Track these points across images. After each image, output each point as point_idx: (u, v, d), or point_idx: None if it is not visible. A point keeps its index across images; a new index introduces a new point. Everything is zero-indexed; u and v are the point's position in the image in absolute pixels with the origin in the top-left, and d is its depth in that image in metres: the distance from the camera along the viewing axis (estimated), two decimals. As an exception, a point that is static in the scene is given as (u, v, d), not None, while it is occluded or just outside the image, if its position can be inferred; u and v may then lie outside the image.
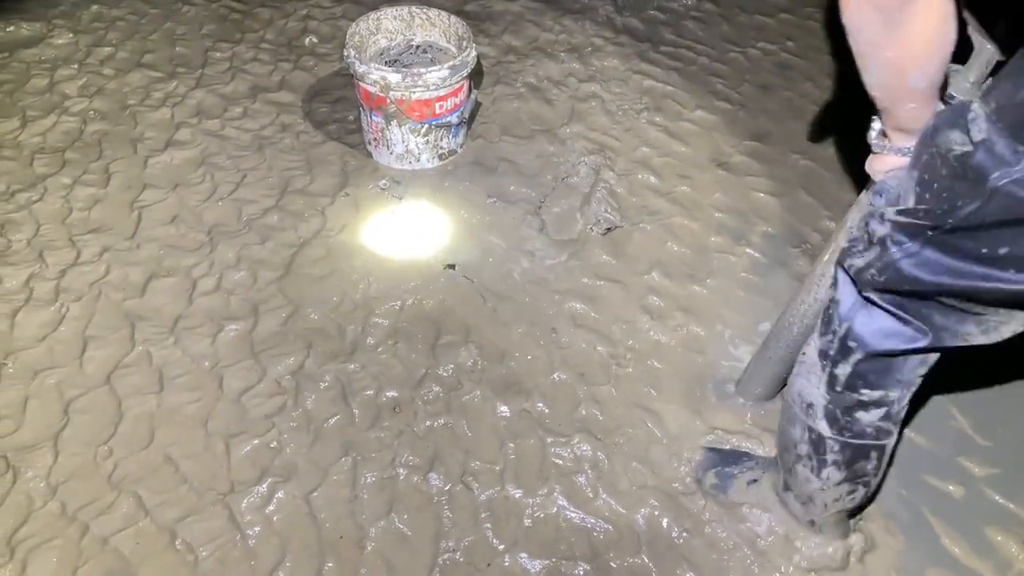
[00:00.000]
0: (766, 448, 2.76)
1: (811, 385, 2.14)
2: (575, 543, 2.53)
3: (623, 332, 3.15)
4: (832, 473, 2.22)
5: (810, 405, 2.16)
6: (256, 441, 2.77)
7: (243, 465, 2.70)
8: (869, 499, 2.48)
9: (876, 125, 1.90)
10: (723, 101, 4.37)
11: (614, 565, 2.49)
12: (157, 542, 2.51)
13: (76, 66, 4.40)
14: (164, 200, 3.66)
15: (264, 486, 2.65)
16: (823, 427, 2.14)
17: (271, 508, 2.60)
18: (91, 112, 4.12)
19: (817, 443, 2.19)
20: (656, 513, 2.60)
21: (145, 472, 2.68)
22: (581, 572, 2.47)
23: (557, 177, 3.84)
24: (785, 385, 2.79)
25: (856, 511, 2.51)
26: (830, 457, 2.19)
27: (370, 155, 3.92)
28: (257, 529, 2.55)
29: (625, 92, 4.37)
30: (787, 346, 2.63)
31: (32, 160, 3.81)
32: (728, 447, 2.77)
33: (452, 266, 3.39)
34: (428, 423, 2.84)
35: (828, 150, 4.07)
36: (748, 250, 3.51)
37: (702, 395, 2.94)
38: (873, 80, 1.71)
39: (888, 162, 1.88)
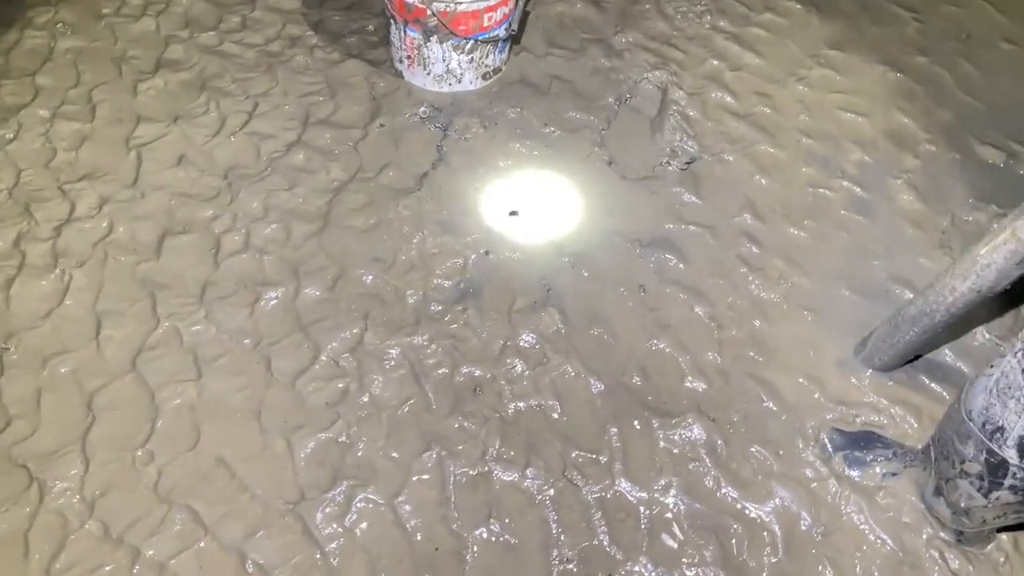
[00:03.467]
0: (897, 425, 2.47)
1: (1008, 411, 1.86)
2: (702, 546, 2.24)
3: (720, 288, 2.78)
4: (1005, 496, 1.98)
5: (1000, 430, 1.89)
6: (322, 436, 2.38)
7: (311, 467, 2.33)
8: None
9: None
10: (792, 1, 3.85)
11: (752, 565, 2.21)
12: (224, 565, 2.16)
13: (32, -34, 3.69)
14: (164, 136, 3.11)
15: (340, 491, 2.29)
16: (1011, 455, 1.90)
17: (352, 518, 2.25)
18: (59, 25, 3.46)
19: (996, 467, 1.94)
20: (788, 506, 2.31)
21: (196, 480, 2.29)
22: (714, 579, 2.19)
23: (619, 98, 3.35)
24: (915, 358, 2.50)
25: (1011, 528, 2.27)
26: (1008, 482, 1.95)
27: (400, 75, 3.37)
28: (338, 544, 2.21)
29: (681, -9, 3.83)
30: (927, 330, 2.33)
31: (-3, 89, 3.20)
32: (856, 426, 2.46)
33: (515, 212, 2.95)
34: (516, 406, 2.48)
35: (918, 58, 3.62)
36: (844, 183, 3.12)
37: (818, 360, 2.62)
38: None
39: None
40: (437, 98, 3.31)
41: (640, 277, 2.79)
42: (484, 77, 3.32)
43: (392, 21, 3.16)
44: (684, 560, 2.22)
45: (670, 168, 3.10)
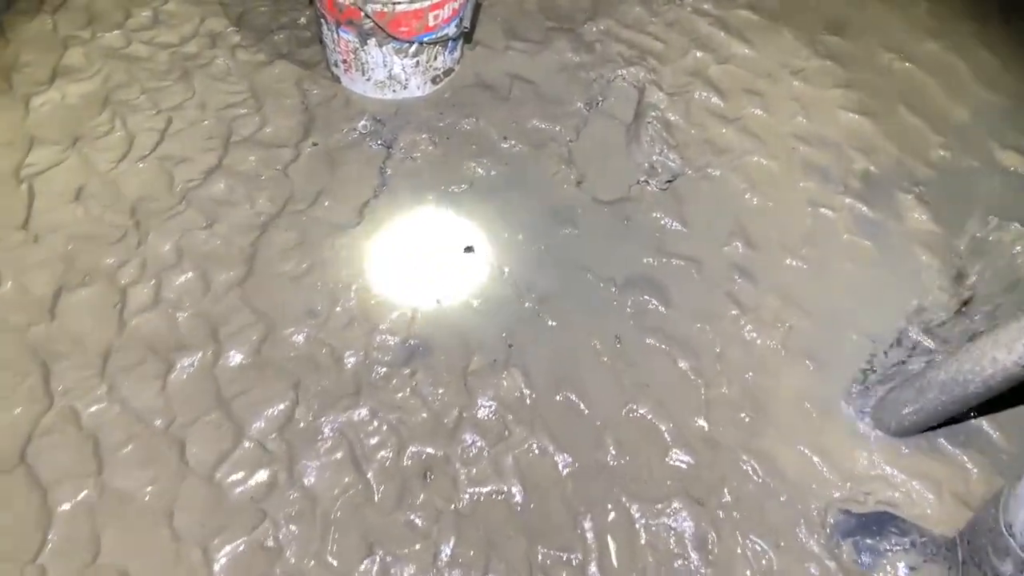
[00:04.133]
0: (914, 503, 2.14)
1: None
2: (693, 665, 1.92)
3: (707, 336, 2.41)
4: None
5: None
6: (244, 542, 2.02)
7: (231, 581, 1.98)
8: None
9: None
10: (784, -24, 3.40)
11: None
12: None
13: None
14: (62, 163, 2.67)
15: (265, 613, 1.94)
16: None
17: (280, 647, 1.91)
18: (-64, 25, 2.98)
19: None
20: (791, 612, 1.99)
21: (95, 603, 1.94)
22: None
23: (590, 101, 2.92)
24: (937, 426, 2.16)
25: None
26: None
27: (337, 79, 2.92)
28: None
29: (659, -33, 3.36)
30: (956, 401, 2.00)
31: None
32: (869, 506, 2.13)
33: (471, 249, 2.55)
34: (473, 494, 2.12)
35: (928, 44, 3.20)
36: (847, 199, 2.73)
37: (822, 424, 2.27)
38: None
39: None
40: (380, 108, 2.87)
41: (615, 325, 2.41)
42: (434, 81, 2.88)
43: (323, 20, 2.70)
44: None
45: (649, 188, 2.70)
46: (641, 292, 2.48)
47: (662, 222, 2.63)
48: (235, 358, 2.30)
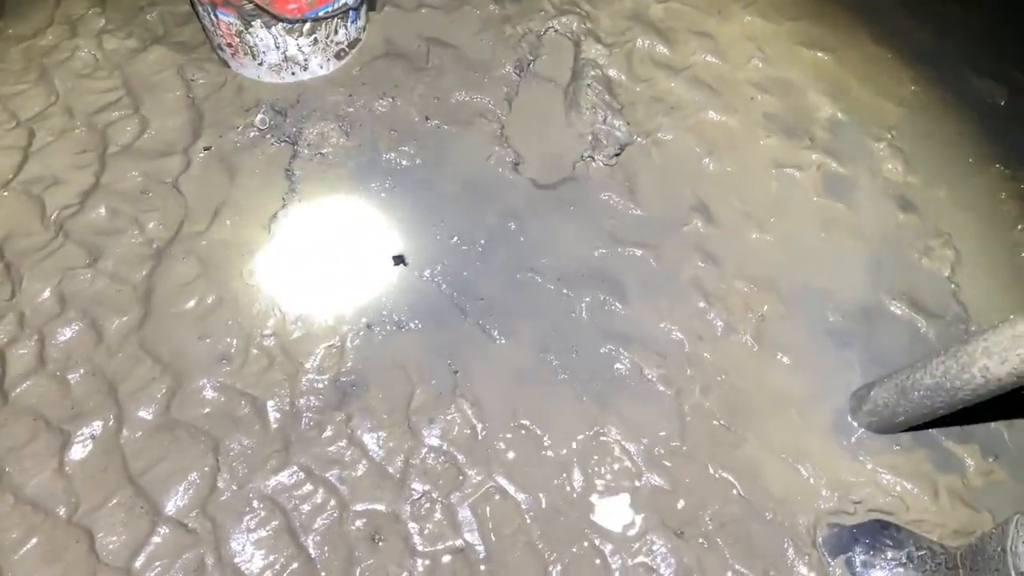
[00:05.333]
0: (908, 508, 1.97)
1: None
2: None
3: (673, 336, 2.17)
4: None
5: None
6: (174, 644, 1.78)
7: None
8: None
9: None
10: None
11: None
12: None
13: None
14: (-92, 198, 2.27)
15: None
16: None
17: None
18: None
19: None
20: (786, 647, 1.83)
21: None
22: None
23: (520, 63, 2.56)
24: (925, 425, 1.97)
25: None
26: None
27: (225, 63, 2.50)
28: None
29: None
30: (945, 406, 1.81)
31: None
32: (860, 516, 1.95)
33: (401, 259, 2.23)
34: (430, 554, 1.89)
35: (891, -39, 2.86)
36: (814, 155, 2.45)
37: (804, 426, 2.07)
38: None
39: None
40: (279, 94, 2.47)
41: (571, 333, 2.15)
42: (338, 56, 2.48)
43: (194, 1, 2.27)
44: None
45: (595, 164, 2.39)
46: (596, 290, 2.21)
47: (612, 203, 2.34)
48: (141, 422, 2.00)
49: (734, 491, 1.98)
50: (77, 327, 2.11)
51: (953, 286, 2.27)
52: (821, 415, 2.07)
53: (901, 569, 1.87)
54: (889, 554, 1.88)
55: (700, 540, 1.92)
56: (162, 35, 2.56)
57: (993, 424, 2.07)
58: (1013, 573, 1.54)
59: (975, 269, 2.30)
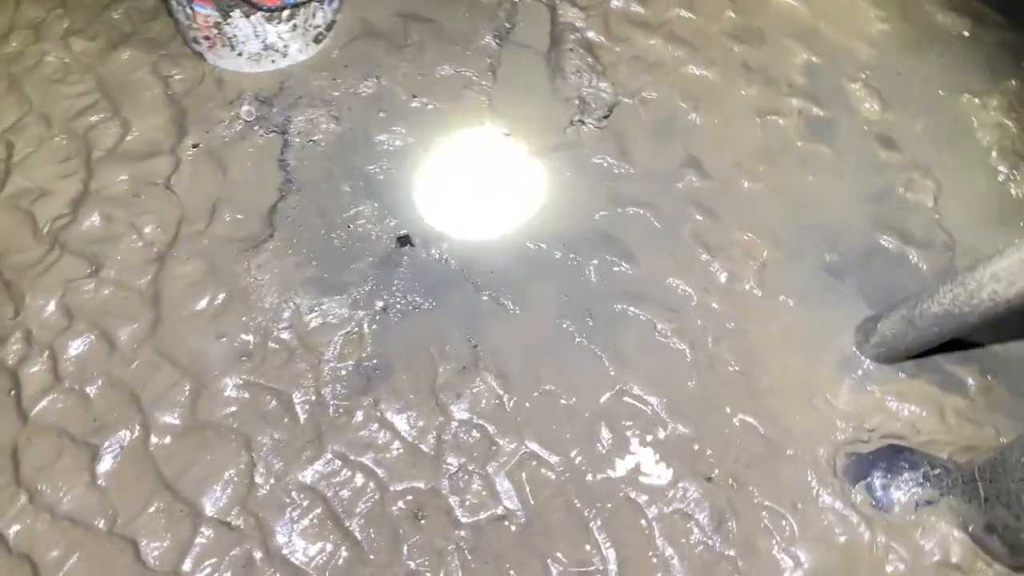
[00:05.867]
0: (919, 431, 2.07)
1: None
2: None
3: (681, 290, 2.23)
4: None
5: None
6: (235, 642, 1.81)
7: None
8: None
9: None
10: None
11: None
12: None
13: None
14: None
15: None
16: None
17: None
18: None
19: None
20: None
21: None
22: None
23: (498, 32, 2.57)
24: (927, 353, 2.06)
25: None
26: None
27: (201, 56, 2.46)
28: None
29: None
30: (955, 331, 1.90)
31: None
32: (875, 443, 2.06)
33: (407, 239, 2.25)
34: (472, 523, 1.94)
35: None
36: (794, 101, 2.51)
37: (814, 365, 2.15)
38: None
39: None
40: (260, 84, 2.44)
41: (583, 298, 2.20)
42: (316, 40, 2.45)
43: (168, -5, 2.22)
44: None
45: (585, 128, 2.42)
46: (602, 253, 2.25)
47: (607, 166, 2.37)
48: (167, 428, 2.00)
49: (756, 432, 2.06)
50: (88, 339, 2.08)
51: (937, 216, 2.37)
52: (828, 351, 2.16)
53: (919, 488, 1.97)
54: (906, 475, 1.99)
55: (729, 482, 2.00)
56: (131, 33, 2.50)
57: (989, 346, 2.18)
58: None
59: (956, 198, 2.40)
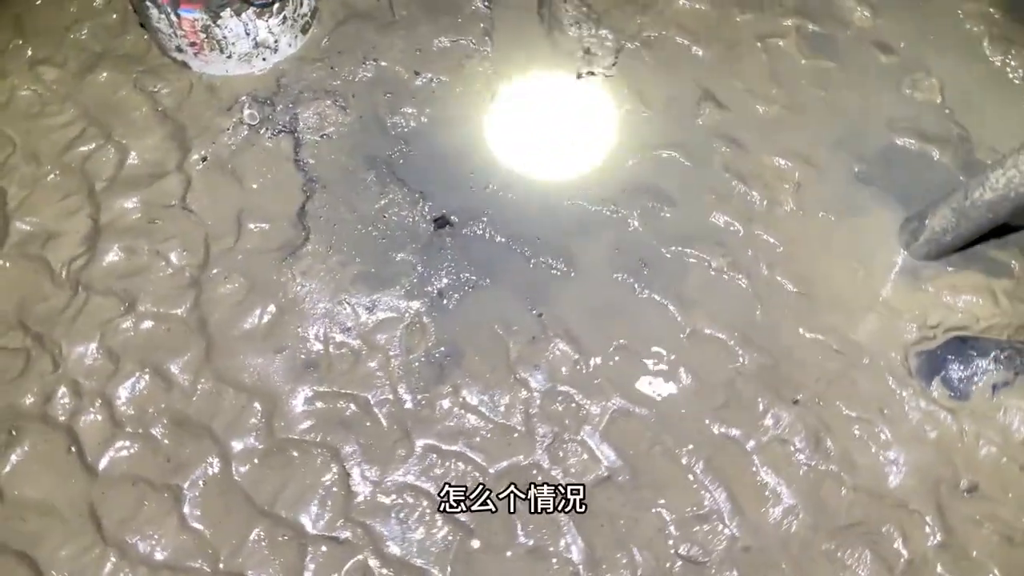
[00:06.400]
0: (979, 319, 2.14)
1: None
2: (858, 558, 1.90)
3: (724, 224, 2.24)
4: None
5: None
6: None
7: None
8: None
9: None
10: None
11: (915, 560, 1.91)
12: None
13: None
14: None
15: None
16: None
17: None
18: None
19: None
20: (924, 475, 1.97)
21: None
22: None
23: (486, -9, 2.49)
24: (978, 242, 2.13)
25: None
26: None
27: (184, 64, 2.31)
28: None
29: None
30: (1010, 212, 1.95)
31: None
32: (941, 338, 2.12)
33: (444, 220, 2.18)
34: (581, 490, 1.92)
35: None
36: (789, 21, 2.53)
37: (869, 276, 2.20)
38: None
39: None
40: (255, 84, 2.32)
41: (633, 248, 2.18)
42: (304, 30, 2.34)
43: (148, 4, 2.07)
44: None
45: (596, 77, 2.38)
46: (641, 200, 2.24)
47: (625, 112, 2.35)
48: (248, 453, 1.92)
49: (828, 349, 2.10)
50: (140, 379, 1.97)
51: (947, 111, 2.43)
52: (877, 257, 2.21)
53: (992, 372, 2.04)
54: (977, 363, 2.06)
55: (816, 400, 2.04)
56: (101, 52, 2.33)
57: (1025, 227, 2.27)
58: None
59: (960, 91, 2.46)
